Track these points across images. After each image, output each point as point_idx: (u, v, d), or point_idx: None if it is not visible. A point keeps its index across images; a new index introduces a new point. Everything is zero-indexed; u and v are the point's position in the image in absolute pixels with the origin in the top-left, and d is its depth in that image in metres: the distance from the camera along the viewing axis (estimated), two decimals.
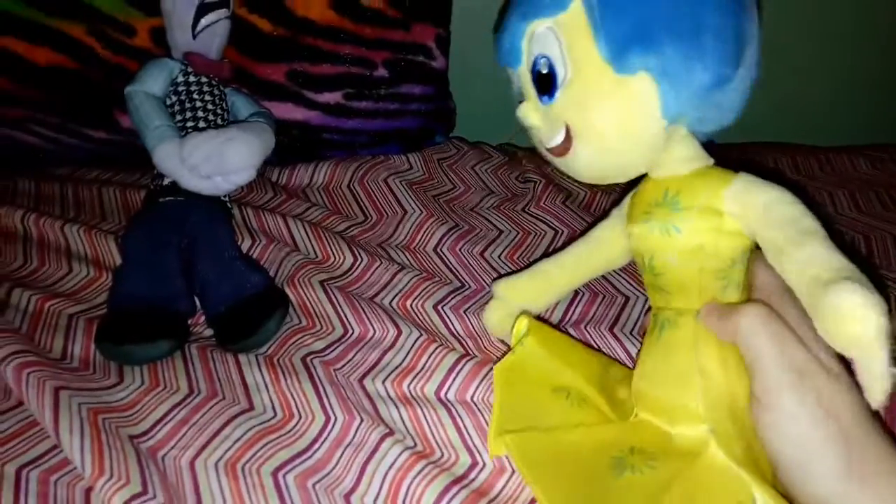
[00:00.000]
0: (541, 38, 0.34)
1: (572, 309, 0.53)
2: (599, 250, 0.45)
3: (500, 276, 0.50)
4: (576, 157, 0.35)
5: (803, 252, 0.29)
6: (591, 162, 0.35)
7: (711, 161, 0.36)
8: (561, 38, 0.33)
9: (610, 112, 0.33)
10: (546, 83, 0.35)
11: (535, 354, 0.41)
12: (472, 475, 0.39)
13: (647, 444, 0.36)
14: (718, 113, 0.34)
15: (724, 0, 0.32)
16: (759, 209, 0.32)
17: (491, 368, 0.44)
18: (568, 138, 0.35)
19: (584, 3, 0.32)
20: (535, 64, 0.35)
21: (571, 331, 0.50)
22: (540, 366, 0.41)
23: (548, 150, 0.37)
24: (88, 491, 0.36)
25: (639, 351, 0.40)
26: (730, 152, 0.80)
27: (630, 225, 0.38)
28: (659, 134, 0.34)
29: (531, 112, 0.37)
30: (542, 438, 0.38)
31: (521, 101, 0.38)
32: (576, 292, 0.54)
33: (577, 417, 0.39)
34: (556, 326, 0.51)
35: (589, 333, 0.50)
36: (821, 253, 0.29)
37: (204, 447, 0.39)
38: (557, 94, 0.34)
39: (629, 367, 0.46)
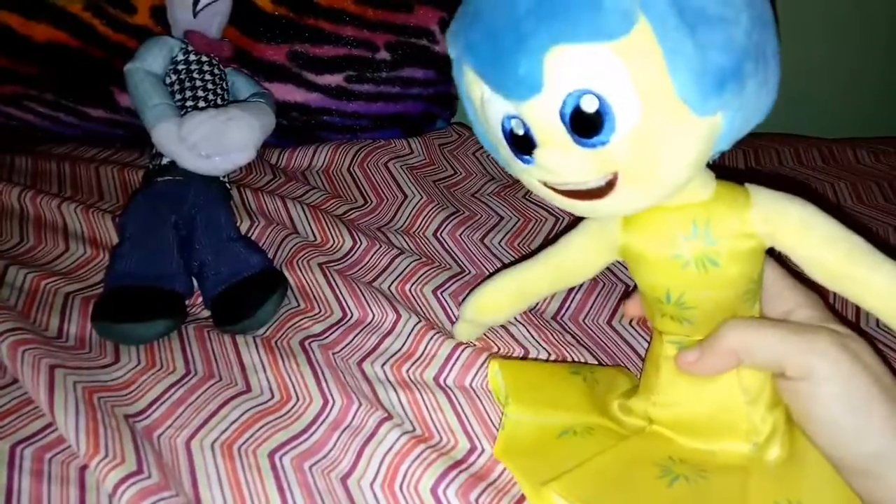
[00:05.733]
0: (589, 66, 0.26)
1: (570, 300, 0.53)
2: (574, 265, 0.40)
3: (467, 295, 0.45)
4: (608, 203, 0.29)
5: (877, 277, 0.30)
6: (625, 205, 0.30)
7: (712, 174, 0.33)
8: (625, 68, 0.25)
9: (680, 157, 0.28)
10: (589, 125, 0.27)
11: (524, 418, 0.40)
12: (471, 459, 0.39)
13: (681, 452, 0.35)
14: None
15: (769, 19, 0.28)
16: (793, 227, 0.31)
17: (488, 357, 0.44)
18: (610, 184, 0.29)
19: (654, 25, 0.24)
20: (571, 100, 0.26)
21: (569, 324, 0.50)
22: (534, 425, 0.40)
23: (564, 192, 0.30)
24: (83, 469, 0.36)
25: (642, 372, 0.39)
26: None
27: (642, 260, 0.33)
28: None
29: (562, 161, 0.28)
30: (579, 473, 0.35)
31: (520, 145, 0.29)
32: None
33: (595, 446, 0.37)
34: (553, 318, 0.51)
35: (587, 326, 0.50)
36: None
37: (200, 428, 0.39)
38: (612, 138, 0.27)
39: (607, 364, 0.46)
